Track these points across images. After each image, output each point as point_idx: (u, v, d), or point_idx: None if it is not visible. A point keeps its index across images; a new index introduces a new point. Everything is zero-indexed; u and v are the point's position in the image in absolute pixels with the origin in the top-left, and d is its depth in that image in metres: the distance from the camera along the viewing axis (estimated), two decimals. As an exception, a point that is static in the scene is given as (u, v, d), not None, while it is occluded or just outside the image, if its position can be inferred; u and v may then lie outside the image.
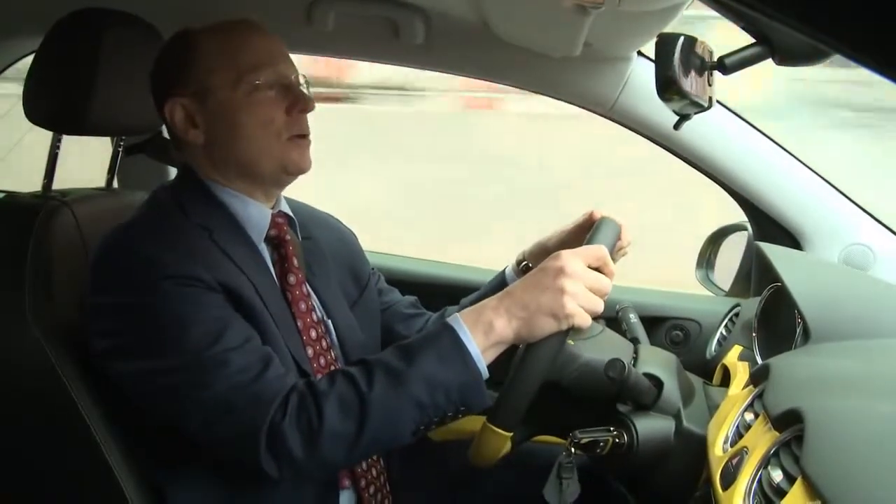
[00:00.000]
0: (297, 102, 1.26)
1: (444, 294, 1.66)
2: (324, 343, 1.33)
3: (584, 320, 1.12)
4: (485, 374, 1.12)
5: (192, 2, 1.84)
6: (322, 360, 1.31)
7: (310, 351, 1.29)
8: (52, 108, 1.35)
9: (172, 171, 2.02)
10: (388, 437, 1.14)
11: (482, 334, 1.12)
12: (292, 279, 1.32)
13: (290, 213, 1.37)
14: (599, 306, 1.14)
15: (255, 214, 1.29)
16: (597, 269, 1.16)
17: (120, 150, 1.65)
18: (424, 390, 1.10)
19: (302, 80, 1.29)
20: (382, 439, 1.14)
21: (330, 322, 1.37)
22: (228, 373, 1.11)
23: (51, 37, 1.34)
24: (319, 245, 1.43)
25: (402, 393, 1.10)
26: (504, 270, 1.51)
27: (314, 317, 1.33)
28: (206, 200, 1.27)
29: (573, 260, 1.13)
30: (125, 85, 1.35)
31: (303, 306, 1.32)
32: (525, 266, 1.47)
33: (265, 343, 1.18)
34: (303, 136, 1.28)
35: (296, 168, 1.28)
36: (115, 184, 1.67)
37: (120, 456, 1.22)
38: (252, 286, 1.21)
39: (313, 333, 1.32)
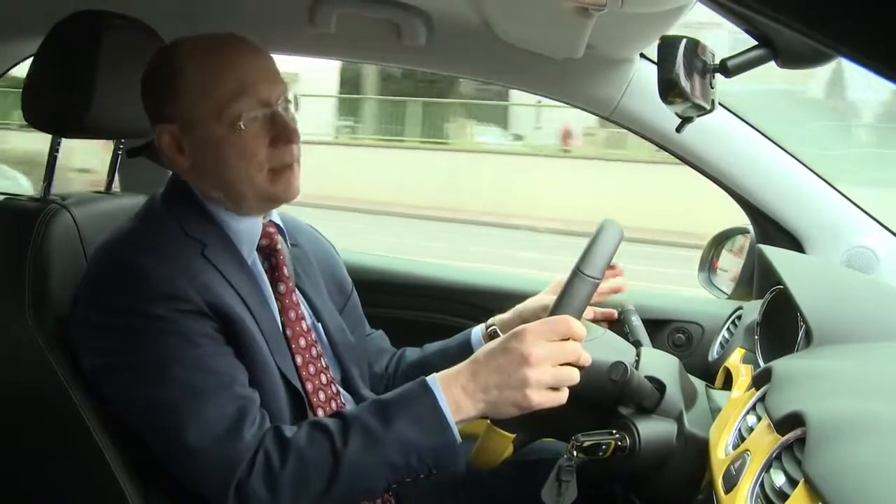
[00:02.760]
0: (280, 136, 1.25)
1: (430, 295, 1.66)
2: (314, 351, 1.34)
3: (554, 401, 1.13)
4: (458, 440, 1.14)
5: (192, 4, 1.85)
6: (311, 368, 1.33)
7: (299, 359, 1.31)
8: (52, 110, 1.35)
9: (174, 174, 2.03)
10: (358, 493, 1.17)
11: (453, 409, 1.14)
12: (283, 288, 1.33)
13: (280, 223, 1.37)
14: (573, 378, 1.14)
15: (247, 227, 1.30)
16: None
17: (120, 153, 1.65)
18: (399, 453, 1.13)
19: (290, 99, 1.28)
20: (352, 495, 1.16)
21: (320, 326, 1.39)
22: (203, 422, 1.12)
23: (50, 39, 1.34)
24: (306, 253, 1.45)
25: (377, 454, 1.12)
26: (470, 331, 1.52)
27: (304, 325, 1.35)
28: (200, 213, 1.28)
29: (535, 344, 1.12)
30: (124, 87, 1.35)
31: (293, 315, 1.33)
32: (494, 332, 1.46)
33: (253, 361, 1.20)
34: (288, 166, 1.27)
35: (280, 199, 1.29)
36: (116, 186, 1.67)
37: (119, 456, 1.22)
38: (243, 304, 1.22)
39: (303, 342, 1.33)
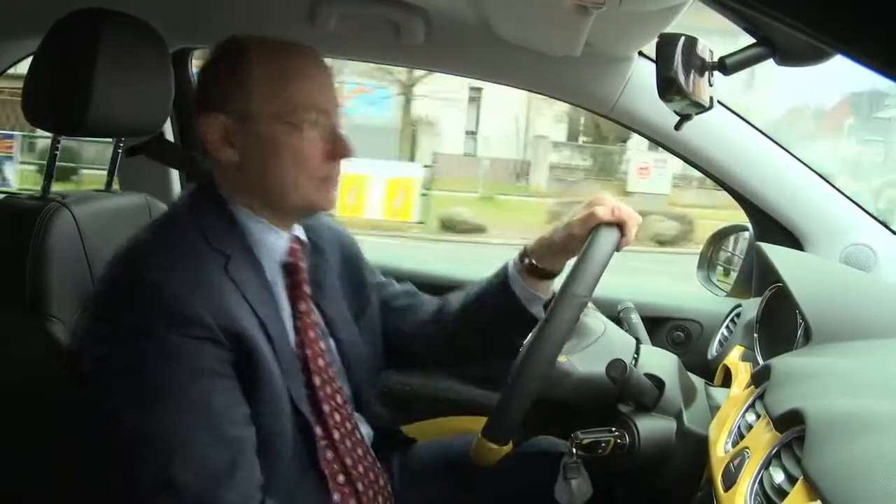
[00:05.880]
0: (337, 150, 1.25)
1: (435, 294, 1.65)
2: (330, 371, 1.33)
3: None
4: None
5: (192, 3, 1.84)
6: (328, 389, 1.32)
7: (317, 380, 1.30)
8: (51, 109, 1.35)
9: (173, 173, 2.03)
10: None
11: None
12: (303, 306, 1.31)
13: (304, 238, 1.36)
14: None
15: (274, 242, 1.28)
16: None
17: (119, 151, 1.65)
18: None
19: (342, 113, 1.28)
20: None
21: (332, 340, 1.37)
22: (192, 461, 1.11)
23: (49, 38, 1.34)
24: (326, 257, 1.42)
25: None
26: (506, 265, 1.48)
27: (322, 344, 1.33)
28: (227, 224, 1.25)
29: None
30: (124, 86, 1.35)
31: (311, 334, 1.32)
32: (529, 263, 1.43)
33: (263, 387, 1.18)
34: (334, 179, 1.27)
35: (321, 208, 1.29)
36: (116, 185, 1.67)
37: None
38: (260, 326, 1.20)
39: (321, 362, 1.32)
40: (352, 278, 1.47)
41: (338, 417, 1.33)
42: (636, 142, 17.06)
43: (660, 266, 8.38)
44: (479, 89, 17.59)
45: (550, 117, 18.39)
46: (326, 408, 1.31)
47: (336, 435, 1.31)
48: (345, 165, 1.29)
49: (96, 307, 1.19)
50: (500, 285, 1.46)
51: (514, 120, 18.17)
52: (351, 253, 1.51)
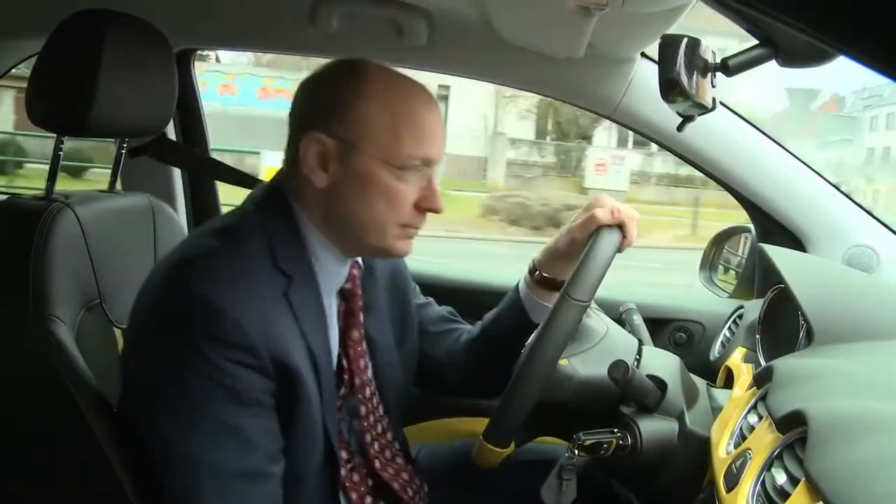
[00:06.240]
0: (429, 202, 1.22)
1: (440, 295, 1.65)
2: (374, 400, 1.33)
3: None
4: None
5: (195, 3, 1.85)
6: (371, 419, 1.32)
7: (363, 409, 1.30)
8: (55, 109, 1.35)
9: (176, 174, 2.03)
10: None
11: None
12: (356, 335, 1.30)
13: (362, 263, 1.33)
14: None
15: (337, 269, 1.26)
16: None
17: (123, 151, 1.65)
18: None
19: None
20: None
21: (370, 362, 1.35)
22: (219, 494, 1.10)
23: (54, 38, 1.34)
24: (377, 279, 1.39)
25: None
26: (517, 285, 1.48)
27: (369, 373, 1.33)
28: (295, 238, 1.22)
29: None
30: (128, 87, 1.35)
31: (361, 363, 1.31)
32: (539, 276, 1.43)
33: (299, 421, 1.16)
34: (417, 230, 1.25)
35: (397, 255, 1.26)
36: (119, 185, 1.67)
37: (120, 457, 1.21)
38: (309, 358, 1.17)
39: (367, 391, 1.32)
40: (398, 300, 1.45)
41: (377, 447, 1.34)
42: (601, 139, 17.32)
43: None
44: (447, 87, 17.64)
45: (516, 115, 18.68)
46: (368, 438, 1.31)
47: (377, 465, 1.32)
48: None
49: (146, 310, 1.16)
50: (514, 302, 1.46)
51: (482, 118, 18.27)
52: (400, 274, 1.48)
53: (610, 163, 17.28)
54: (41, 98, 1.35)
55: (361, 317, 1.32)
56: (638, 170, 17.78)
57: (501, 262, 9.54)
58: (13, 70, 2.11)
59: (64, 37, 1.33)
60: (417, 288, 1.55)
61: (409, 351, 1.45)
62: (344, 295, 1.29)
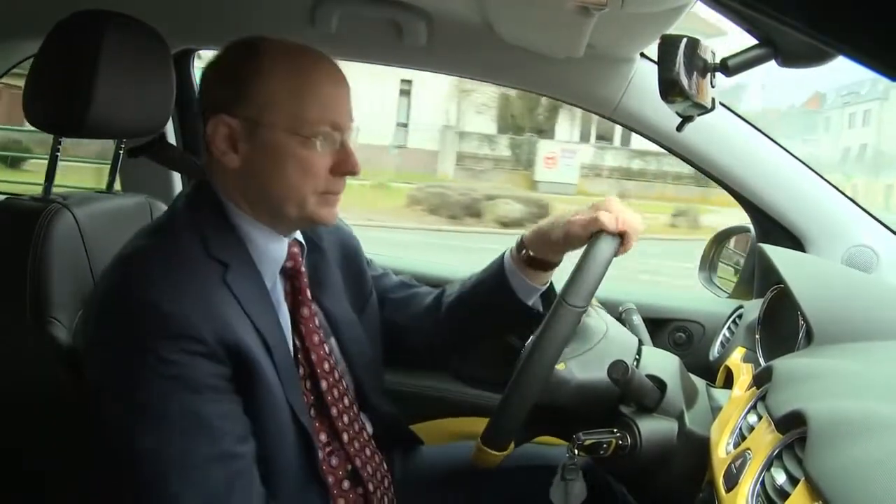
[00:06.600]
0: (345, 166, 1.23)
1: None
2: (336, 374, 1.33)
3: None
4: None
5: (193, 4, 1.85)
6: (336, 392, 1.32)
7: (324, 384, 1.30)
8: (52, 110, 1.35)
9: (175, 174, 2.03)
10: None
11: None
12: (306, 312, 1.31)
13: (302, 240, 1.34)
14: None
15: (274, 249, 1.26)
16: None
17: (121, 152, 1.65)
18: None
19: (353, 128, 1.26)
20: None
21: (334, 340, 1.36)
22: (190, 479, 1.10)
23: (51, 39, 1.34)
24: (325, 254, 1.41)
25: None
26: (502, 256, 1.47)
27: (326, 347, 1.33)
28: (227, 230, 1.23)
29: None
30: (125, 87, 1.35)
31: (315, 339, 1.31)
32: (526, 255, 1.43)
33: (262, 401, 1.17)
34: (338, 194, 1.26)
35: (321, 222, 1.26)
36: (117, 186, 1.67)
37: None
38: (260, 339, 1.18)
39: (326, 366, 1.32)
40: (352, 273, 1.47)
41: (346, 419, 1.33)
42: (563, 133, 17.40)
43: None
44: (409, 81, 17.86)
45: (474, 110, 18.94)
46: (334, 411, 1.31)
47: (345, 438, 1.31)
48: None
49: (94, 319, 1.17)
50: (497, 277, 1.45)
51: (444, 113, 18.50)
52: (350, 247, 1.50)
53: (560, 156, 17.51)
54: (38, 99, 1.35)
55: (309, 293, 1.32)
56: (589, 163, 18.01)
57: (411, 249, 9.69)
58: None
59: (62, 37, 1.33)
60: (374, 260, 1.57)
61: (370, 319, 1.46)
62: (287, 274, 1.30)
